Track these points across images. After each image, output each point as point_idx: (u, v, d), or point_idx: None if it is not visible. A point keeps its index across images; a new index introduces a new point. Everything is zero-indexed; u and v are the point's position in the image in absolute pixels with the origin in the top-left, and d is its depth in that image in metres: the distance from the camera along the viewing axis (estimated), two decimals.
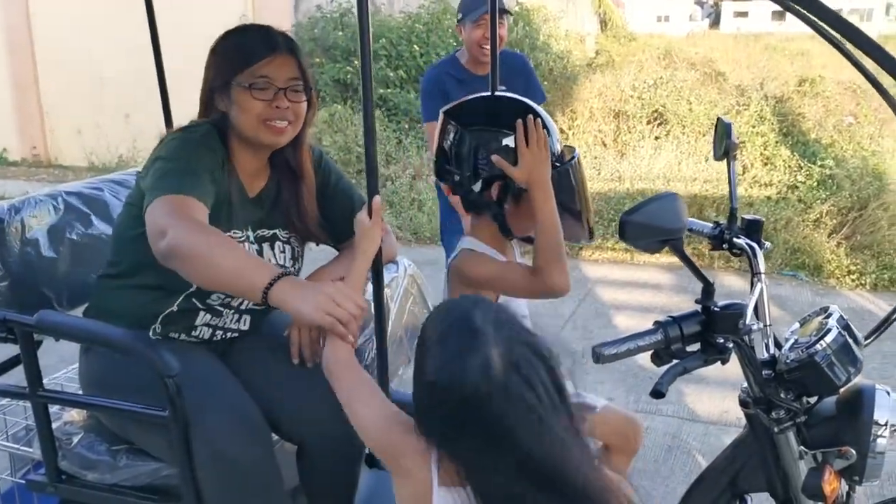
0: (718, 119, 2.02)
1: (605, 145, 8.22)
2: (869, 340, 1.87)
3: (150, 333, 1.79)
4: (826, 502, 1.54)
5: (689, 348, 1.47)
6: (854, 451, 1.56)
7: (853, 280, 5.65)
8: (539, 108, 1.71)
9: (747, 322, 1.48)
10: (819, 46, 19.70)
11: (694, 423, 3.67)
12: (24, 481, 1.91)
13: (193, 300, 1.77)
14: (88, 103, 9.50)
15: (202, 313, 1.81)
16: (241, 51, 1.69)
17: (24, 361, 1.73)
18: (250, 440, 1.67)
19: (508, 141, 1.66)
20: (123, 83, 8.66)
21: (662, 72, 9.06)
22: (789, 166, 7.17)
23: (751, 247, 1.87)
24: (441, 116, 1.73)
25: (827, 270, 5.76)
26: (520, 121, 1.63)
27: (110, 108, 9.32)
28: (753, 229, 1.92)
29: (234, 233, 1.78)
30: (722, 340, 1.45)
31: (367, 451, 2.28)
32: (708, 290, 1.45)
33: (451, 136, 1.70)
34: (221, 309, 1.83)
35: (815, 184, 6.80)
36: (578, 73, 9.54)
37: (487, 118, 1.70)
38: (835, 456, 1.58)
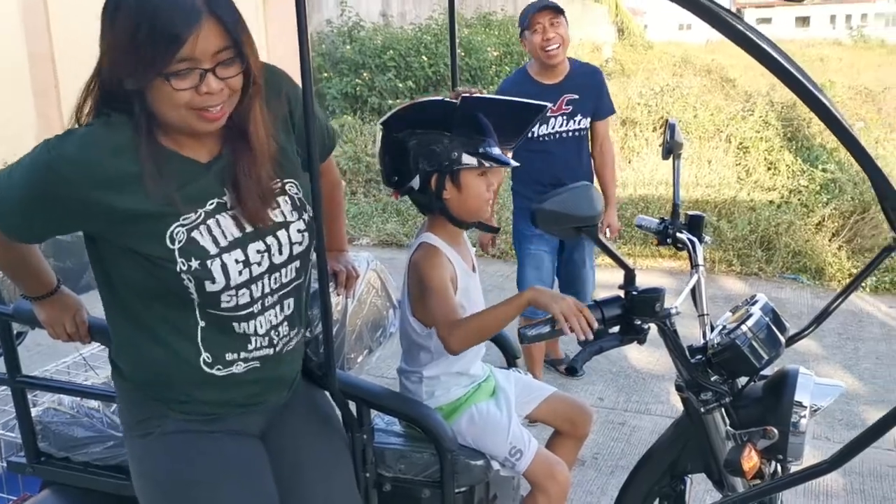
0: (666, 121, 2.12)
1: None
2: (809, 330, 1.96)
3: (206, 367, 1.50)
4: (746, 478, 1.61)
5: (612, 331, 1.56)
6: (776, 431, 1.64)
7: None
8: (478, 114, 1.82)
9: (666, 306, 1.56)
10: (838, 52, 19.60)
11: None
12: (5, 463, 2.03)
13: (209, 310, 1.48)
14: None
15: (235, 323, 1.51)
16: (155, 40, 1.27)
17: (3, 349, 1.86)
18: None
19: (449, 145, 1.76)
20: None
21: (669, 79, 9.12)
22: (792, 171, 7.19)
23: (691, 241, 2.00)
24: (378, 129, 1.84)
25: (828, 273, 5.77)
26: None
27: None
28: (695, 225, 2.03)
29: (196, 210, 1.43)
30: (639, 322, 1.53)
31: None
32: (629, 276, 1.54)
33: (388, 144, 1.81)
34: (251, 303, 1.50)
35: (818, 188, 6.81)
36: None
37: (419, 123, 1.78)
38: (759, 436, 1.66)
